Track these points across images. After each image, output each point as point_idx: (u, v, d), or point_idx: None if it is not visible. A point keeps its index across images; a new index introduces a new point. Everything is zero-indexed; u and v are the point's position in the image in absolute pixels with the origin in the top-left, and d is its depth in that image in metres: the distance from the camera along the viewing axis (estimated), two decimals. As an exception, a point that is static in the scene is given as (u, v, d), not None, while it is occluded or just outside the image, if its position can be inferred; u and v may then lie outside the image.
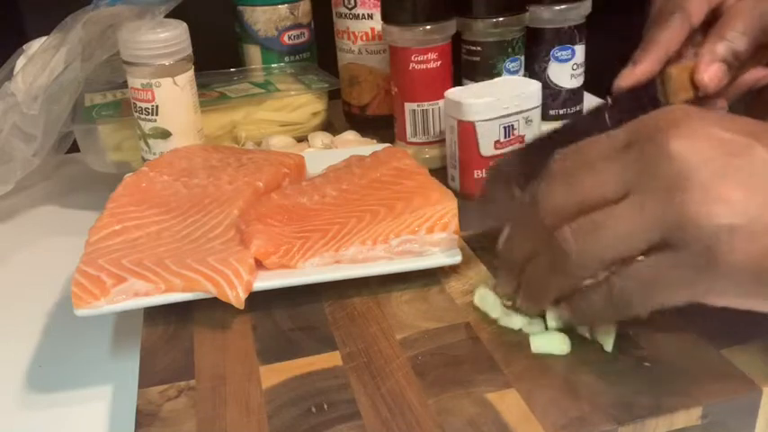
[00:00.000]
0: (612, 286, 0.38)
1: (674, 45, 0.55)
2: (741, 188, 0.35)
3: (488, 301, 0.46)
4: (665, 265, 0.36)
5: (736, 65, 0.54)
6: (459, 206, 0.51)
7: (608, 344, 0.42)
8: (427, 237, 0.49)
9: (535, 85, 0.60)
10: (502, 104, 0.58)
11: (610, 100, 0.53)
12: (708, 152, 0.35)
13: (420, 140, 0.67)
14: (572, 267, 0.38)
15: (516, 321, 0.44)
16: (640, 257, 0.37)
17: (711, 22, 0.56)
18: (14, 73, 0.67)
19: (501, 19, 0.64)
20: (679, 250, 0.35)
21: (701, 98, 0.55)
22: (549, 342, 0.42)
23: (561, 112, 0.70)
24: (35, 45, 0.68)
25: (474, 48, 0.66)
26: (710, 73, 0.53)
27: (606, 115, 0.53)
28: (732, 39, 0.53)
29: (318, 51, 0.83)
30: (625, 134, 0.39)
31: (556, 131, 0.52)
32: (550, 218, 0.39)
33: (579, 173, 0.39)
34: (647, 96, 0.54)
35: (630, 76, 0.54)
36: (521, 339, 0.43)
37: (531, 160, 0.45)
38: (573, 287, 0.40)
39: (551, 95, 0.69)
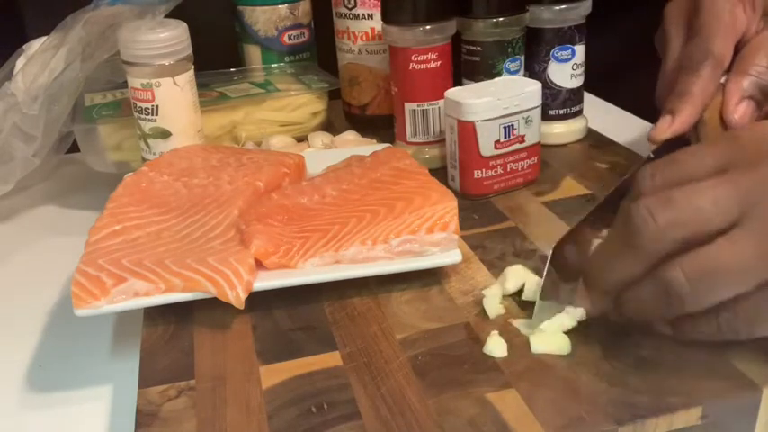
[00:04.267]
0: (721, 320, 0.38)
1: (710, 94, 0.54)
2: None
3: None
4: None
5: (763, 99, 0.53)
6: (460, 205, 0.51)
7: (560, 347, 0.42)
8: (427, 237, 0.49)
9: (535, 85, 0.60)
10: (502, 104, 0.58)
11: (651, 154, 0.52)
12: None
13: (420, 140, 0.67)
14: (685, 307, 0.37)
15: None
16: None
17: (735, 51, 0.54)
18: (14, 73, 0.67)
19: (501, 19, 0.64)
20: None
21: None
22: (549, 343, 0.42)
23: (561, 112, 0.70)
24: (35, 45, 0.68)
25: (474, 48, 0.66)
26: (740, 112, 0.52)
27: None
28: (757, 74, 0.52)
29: (318, 51, 0.83)
30: (720, 153, 0.37)
31: (606, 202, 0.50)
32: (653, 246, 0.37)
33: (680, 198, 0.37)
34: (682, 143, 0.53)
35: (669, 130, 0.53)
36: (521, 339, 0.43)
37: (590, 233, 0.44)
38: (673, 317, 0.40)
39: (551, 95, 0.69)
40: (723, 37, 0.54)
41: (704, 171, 0.38)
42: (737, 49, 0.55)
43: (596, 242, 0.43)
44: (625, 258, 0.38)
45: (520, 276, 0.47)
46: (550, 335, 0.43)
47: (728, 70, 0.55)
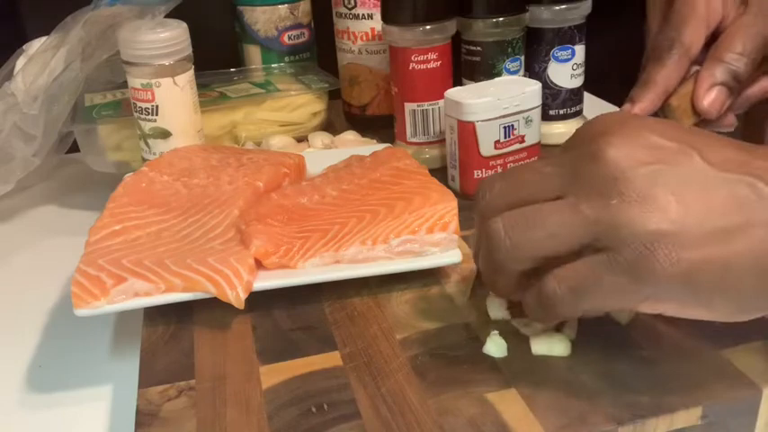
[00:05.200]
0: (542, 288, 0.37)
1: (674, 83, 0.54)
2: (674, 196, 0.34)
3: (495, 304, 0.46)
4: (595, 268, 0.35)
5: (737, 86, 0.53)
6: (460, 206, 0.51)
7: (560, 349, 0.42)
8: (427, 237, 0.49)
9: (535, 85, 0.60)
10: (502, 104, 0.58)
11: None
12: (641, 158, 0.35)
13: (420, 140, 0.67)
14: (503, 260, 0.38)
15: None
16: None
17: (710, 42, 0.54)
18: (14, 73, 0.67)
19: (501, 19, 0.64)
20: (611, 255, 0.35)
21: (706, 121, 0.54)
22: (550, 344, 0.42)
23: (561, 112, 0.70)
24: (35, 45, 0.68)
25: (474, 48, 0.66)
26: (710, 99, 0.52)
27: None
28: (731, 61, 0.53)
29: (318, 51, 0.83)
30: (565, 142, 0.39)
31: None
32: (485, 212, 0.39)
33: (517, 172, 0.40)
34: None
35: None
36: (521, 339, 0.43)
37: None
38: (510, 283, 0.39)
39: (551, 95, 0.69)
40: (693, 26, 0.54)
41: (545, 156, 0.40)
42: (716, 37, 0.55)
43: None
44: (477, 229, 0.41)
45: None
46: (551, 337, 0.43)
47: (702, 59, 0.55)
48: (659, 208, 0.34)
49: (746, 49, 0.53)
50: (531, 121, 0.60)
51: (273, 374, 0.42)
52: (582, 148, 0.37)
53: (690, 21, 0.54)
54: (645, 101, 0.54)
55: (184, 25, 0.62)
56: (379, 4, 0.67)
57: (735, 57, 0.53)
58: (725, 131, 0.58)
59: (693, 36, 0.54)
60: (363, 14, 0.72)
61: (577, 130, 0.39)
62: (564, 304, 0.37)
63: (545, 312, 0.38)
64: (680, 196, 0.34)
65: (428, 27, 0.62)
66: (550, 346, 0.42)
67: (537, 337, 0.42)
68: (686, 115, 0.53)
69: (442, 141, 0.66)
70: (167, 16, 0.66)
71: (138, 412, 0.40)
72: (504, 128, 0.59)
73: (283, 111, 0.73)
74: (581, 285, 0.36)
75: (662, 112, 0.54)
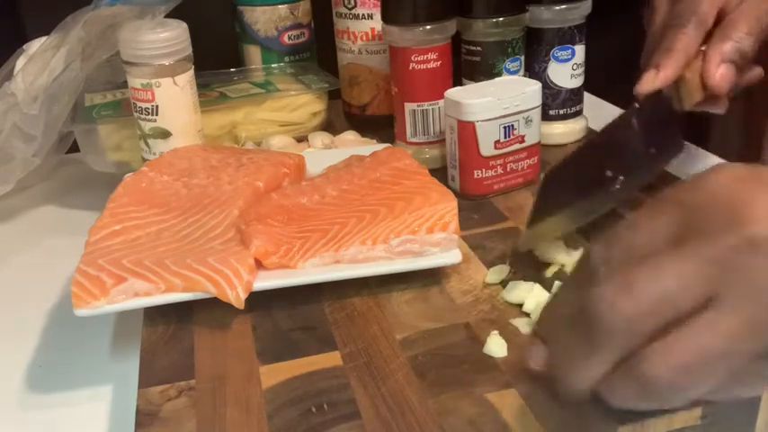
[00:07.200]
0: (641, 368, 0.32)
1: (693, 51, 0.56)
2: None
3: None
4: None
5: (743, 64, 0.55)
6: (460, 205, 0.51)
7: None
8: (427, 237, 0.49)
9: (535, 85, 0.60)
10: (502, 104, 0.58)
11: (637, 105, 0.54)
12: None
13: (420, 140, 0.67)
14: (672, 403, 0.33)
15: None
16: None
17: (716, 22, 0.56)
18: (14, 73, 0.67)
19: (501, 19, 0.64)
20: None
21: (710, 98, 0.56)
22: (520, 296, 0.45)
23: (561, 112, 0.70)
24: (35, 45, 0.68)
25: (474, 48, 0.66)
26: (720, 74, 0.54)
27: (634, 120, 0.52)
28: (738, 39, 0.54)
29: (318, 51, 0.83)
30: (670, 222, 0.33)
31: (593, 141, 0.52)
32: (621, 342, 0.32)
33: (642, 282, 0.32)
34: (663, 100, 0.55)
35: (654, 82, 0.55)
36: (521, 339, 0.43)
37: (579, 171, 0.46)
38: (606, 364, 0.34)
39: (551, 95, 0.69)
40: (708, 1, 0.56)
41: (658, 244, 0.33)
42: (719, 20, 0.57)
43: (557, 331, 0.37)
44: (591, 358, 0.34)
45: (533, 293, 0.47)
46: (522, 289, 0.45)
47: (710, 38, 0.57)
48: None
49: (752, 29, 0.55)
50: (531, 121, 0.60)
51: (273, 374, 0.42)
52: (717, 237, 0.31)
53: None
54: (668, 67, 0.55)
55: (184, 25, 0.62)
56: (379, 4, 0.67)
57: (742, 35, 0.54)
58: (717, 113, 0.59)
59: (709, 9, 0.56)
60: (363, 14, 0.72)
61: (682, 201, 0.33)
62: (674, 386, 0.32)
63: (647, 400, 0.33)
64: None
65: (428, 27, 0.62)
66: (520, 297, 0.43)
67: (509, 289, 0.44)
68: (696, 90, 0.55)
69: (442, 141, 0.66)
70: (167, 16, 0.66)
71: (138, 412, 0.40)
72: (504, 128, 0.59)
73: (283, 111, 0.73)
74: (751, 384, 0.33)
75: (674, 85, 0.55)
